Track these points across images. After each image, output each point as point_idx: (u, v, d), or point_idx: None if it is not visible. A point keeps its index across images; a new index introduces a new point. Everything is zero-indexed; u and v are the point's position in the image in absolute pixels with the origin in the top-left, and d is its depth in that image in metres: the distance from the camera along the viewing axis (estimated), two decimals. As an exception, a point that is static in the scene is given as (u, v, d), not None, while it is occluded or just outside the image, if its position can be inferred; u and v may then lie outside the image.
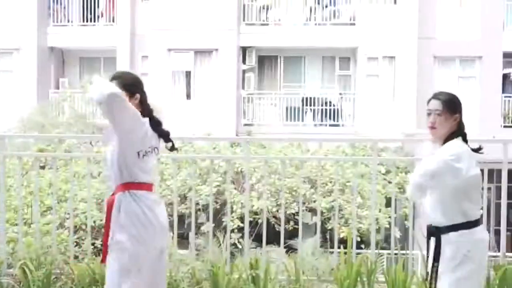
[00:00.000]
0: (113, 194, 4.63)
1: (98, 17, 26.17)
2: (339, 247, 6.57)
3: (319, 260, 6.52)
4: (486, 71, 24.43)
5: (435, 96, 4.83)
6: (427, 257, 4.80)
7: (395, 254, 6.53)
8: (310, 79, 25.85)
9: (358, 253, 6.71)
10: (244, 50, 25.07)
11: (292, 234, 8.90)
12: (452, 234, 4.62)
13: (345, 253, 6.36)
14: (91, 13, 26.08)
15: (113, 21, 26.11)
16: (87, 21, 26.13)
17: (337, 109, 25.06)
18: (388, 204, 16.78)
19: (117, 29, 25.77)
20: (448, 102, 4.79)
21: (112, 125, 4.47)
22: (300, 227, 6.96)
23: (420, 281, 6.02)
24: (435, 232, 4.72)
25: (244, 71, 25.16)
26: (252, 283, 6.09)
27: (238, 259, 6.52)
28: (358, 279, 6.11)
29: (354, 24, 24.70)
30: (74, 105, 23.49)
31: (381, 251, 6.87)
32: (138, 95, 4.67)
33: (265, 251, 6.76)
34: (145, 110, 4.69)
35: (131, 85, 4.69)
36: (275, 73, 26.04)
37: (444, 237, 4.64)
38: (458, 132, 4.78)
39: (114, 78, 4.67)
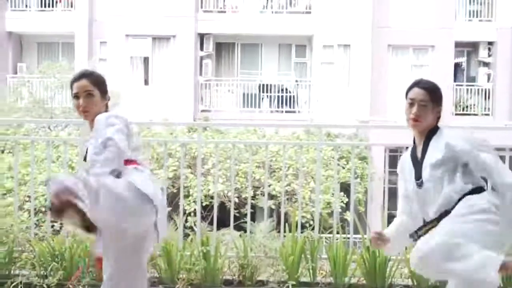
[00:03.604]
0: None
1: (56, 2, 26.12)
2: (289, 231, 6.94)
3: (267, 239, 6.94)
4: (439, 60, 25.03)
5: (418, 84, 4.34)
6: None
7: (339, 238, 6.87)
8: (266, 66, 26.19)
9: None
10: (201, 36, 25.30)
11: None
12: None
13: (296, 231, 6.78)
14: (49, -2, 26.10)
15: (71, 6, 26.10)
16: (45, 7, 26.04)
17: (293, 96, 25.46)
18: (342, 189, 17.22)
19: (75, 15, 25.76)
20: (434, 92, 4.33)
21: None
22: (249, 210, 7.38)
23: (359, 257, 6.47)
24: None
25: (201, 58, 25.40)
26: (203, 259, 6.48)
27: (191, 237, 6.89)
28: (302, 255, 6.53)
29: (310, 12, 25.07)
30: (32, 90, 23.59)
31: (324, 235, 7.24)
32: (109, 96, 4.53)
33: (216, 231, 7.13)
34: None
35: (104, 84, 4.54)
36: (232, 60, 26.34)
37: None
38: (436, 128, 4.33)
39: (85, 75, 4.49)
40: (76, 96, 4.41)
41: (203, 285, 6.47)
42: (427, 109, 4.24)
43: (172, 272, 6.50)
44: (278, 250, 6.63)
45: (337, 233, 6.89)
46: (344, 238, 6.83)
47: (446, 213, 4.13)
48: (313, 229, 6.99)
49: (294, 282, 6.40)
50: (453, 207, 4.11)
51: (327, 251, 6.60)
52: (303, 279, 6.53)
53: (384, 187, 7.08)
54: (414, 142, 4.41)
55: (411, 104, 4.26)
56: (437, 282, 6.21)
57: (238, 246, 6.73)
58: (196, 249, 6.57)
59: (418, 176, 4.29)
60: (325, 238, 7.35)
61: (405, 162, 4.44)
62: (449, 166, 4.17)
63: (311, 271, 6.53)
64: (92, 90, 4.39)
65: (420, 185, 4.27)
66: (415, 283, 6.37)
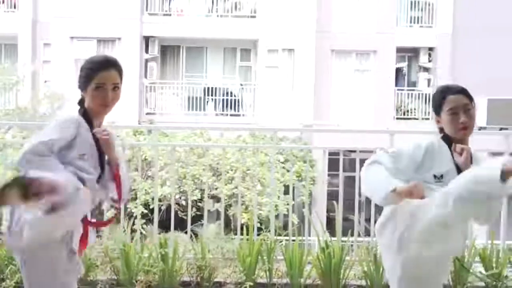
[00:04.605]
0: None
1: (-1, 3, 25.84)
2: (241, 233, 7.07)
3: (224, 241, 7.06)
4: (381, 64, 25.45)
5: (454, 90, 3.87)
6: None
7: (293, 240, 7.00)
8: (211, 69, 26.26)
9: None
10: (146, 39, 25.26)
11: (194, 220, 9.33)
12: None
13: (248, 234, 6.89)
14: (-9, 0, 25.69)
15: (15, 7, 25.68)
16: (-13, 8, 25.70)
17: (238, 100, 25.60)
18: (286, 191, 17.41)
19: (19, 16, 25.34)
20: (470, 95, 3.89)
21: None
22: (206, 213, 7.48)
23: (314, 258, 6.63)
24: None
25: (146, 60, 25.36)
26: (162, 261, 6.56)
27: (149, 239, 6.96)
28: (259, 257, 6.66)
29: (255, 16, 25.25)
30: (-25, 92, 23.26)
31: (279, 237, 7.37)
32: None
33: (173, 234, 7.22)
34: None
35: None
36: (177, 63, 26.34)
37: None
38: None
39: (114, 65, 3.81)
40: (98, 87, 3.75)
41: (161, 287, 6.54)
42: (472, 113, 3.82)
43: (130, 274, 6.55)
44: (236, 252, 6.75)
45: (293, 235, 7.05)
46: (300, 240, 6.96)
47: None
48: (269, 231, 7.14)
49: (251, 283, 6.52)
50: None
51: (283, 252, 6.74)
52: (259, 280, 6.65)
53: (339, 190, 7.25)
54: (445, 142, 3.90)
55: (455, 114, 3.79)
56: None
57: (195, 248, 6.83)
58: (154, 251, 6.65)
59: None
60: (279, 240, 7.48)
61: (439, 146, 3.86)
62: None
63: (267, 272, 6.66)
64: (119, 84, 3.80)
65: None
66: (369, 283, 6.55)
